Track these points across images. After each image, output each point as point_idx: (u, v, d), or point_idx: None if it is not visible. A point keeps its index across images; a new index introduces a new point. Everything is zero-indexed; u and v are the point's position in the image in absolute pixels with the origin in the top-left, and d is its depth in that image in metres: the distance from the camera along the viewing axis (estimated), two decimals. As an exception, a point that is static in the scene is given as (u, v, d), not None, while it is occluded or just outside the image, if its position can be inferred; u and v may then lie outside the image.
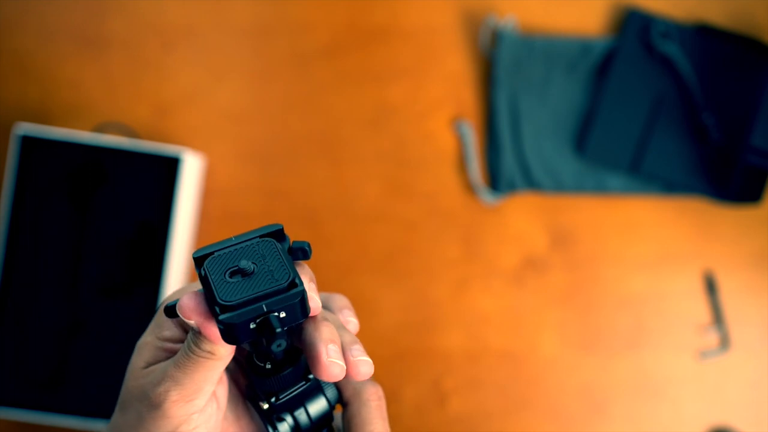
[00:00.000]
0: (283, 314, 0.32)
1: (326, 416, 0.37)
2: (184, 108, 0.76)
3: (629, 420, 0.74)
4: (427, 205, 0.75)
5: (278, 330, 0.31)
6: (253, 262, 0.32)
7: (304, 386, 0.36)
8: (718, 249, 0.75)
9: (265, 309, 0.31)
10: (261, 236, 0.34)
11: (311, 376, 0.36)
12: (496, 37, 0.75)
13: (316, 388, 0.37)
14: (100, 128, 0.74)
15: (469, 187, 0.75)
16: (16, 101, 0.75)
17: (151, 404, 0.33)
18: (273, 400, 0.36)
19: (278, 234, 0.35)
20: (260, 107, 0.76)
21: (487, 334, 0.75)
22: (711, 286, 0.75)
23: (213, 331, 0.32)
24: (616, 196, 0.75)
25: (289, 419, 0.36)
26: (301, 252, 0.34)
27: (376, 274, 0.75)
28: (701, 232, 0.75)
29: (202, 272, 0.33)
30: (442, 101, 0.76)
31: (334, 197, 0.75)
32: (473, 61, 0.76)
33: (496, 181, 0.75)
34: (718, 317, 0.75)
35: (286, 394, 0.36)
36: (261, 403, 0.36)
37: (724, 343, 0.74)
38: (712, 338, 0.75)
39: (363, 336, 0.40)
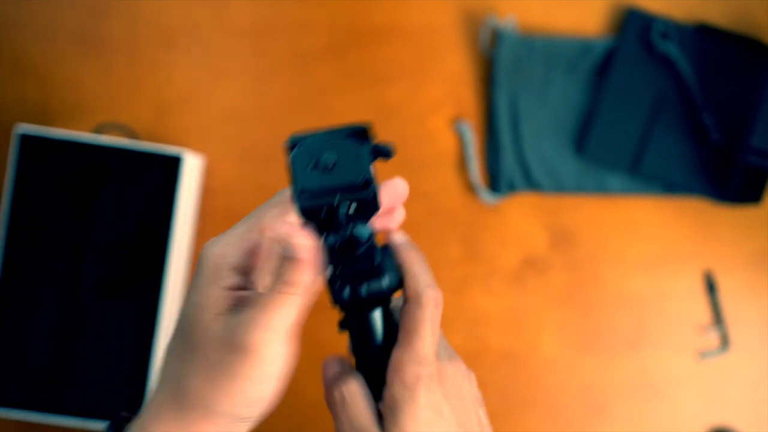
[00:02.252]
0: (353, 207, 0.35)
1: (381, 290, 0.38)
2: (184, 108, 0.75)
3: (629, 420, 0.74)
4: (427, 205, 0.75)
5: (342, 222, 0.34)
6: (336, 156, 0.35)
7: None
8: (718, 249, 0.75)
9: (337, 200, 0.34)
10: (349, 134, 0.36)
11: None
12: (496, 37, 0.75)
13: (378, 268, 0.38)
14: (100, 129, 0.74)
15: (469, 187, 0.75)
16: (16, 101, 0.75)
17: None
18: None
19: (365, 132, 0.37)
20: (260, 107, 0.76)
21: (487, 334, 0.75)
22: (711, 286, 0.75)
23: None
24: (616, 196, 0.75)
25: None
26: (384, 153, 0.37)
27: (376, 274, 0.75)
28: (701, 232, 0.75)
29: (290, 160, 0.36)
30: (442, 101, 0.76)
31: (334, 197, 0.75)
32: (473, 61, 0.76)
33: (496, 181, 0.75)
34: (718, 317, 0.75)
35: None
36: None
37: (724, 343, 0.74)
38: (712, 338, 0.75)
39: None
